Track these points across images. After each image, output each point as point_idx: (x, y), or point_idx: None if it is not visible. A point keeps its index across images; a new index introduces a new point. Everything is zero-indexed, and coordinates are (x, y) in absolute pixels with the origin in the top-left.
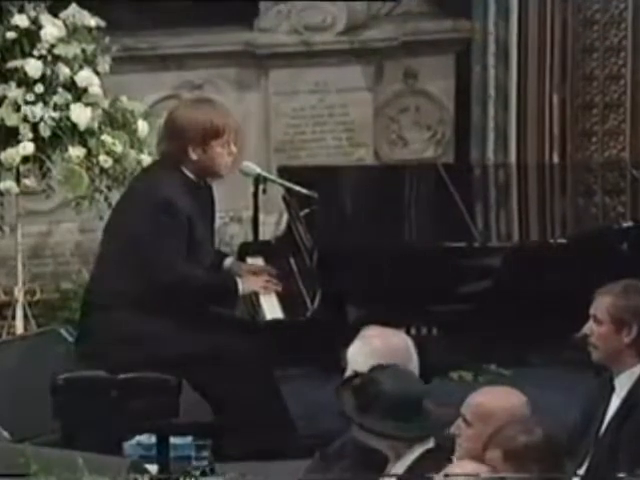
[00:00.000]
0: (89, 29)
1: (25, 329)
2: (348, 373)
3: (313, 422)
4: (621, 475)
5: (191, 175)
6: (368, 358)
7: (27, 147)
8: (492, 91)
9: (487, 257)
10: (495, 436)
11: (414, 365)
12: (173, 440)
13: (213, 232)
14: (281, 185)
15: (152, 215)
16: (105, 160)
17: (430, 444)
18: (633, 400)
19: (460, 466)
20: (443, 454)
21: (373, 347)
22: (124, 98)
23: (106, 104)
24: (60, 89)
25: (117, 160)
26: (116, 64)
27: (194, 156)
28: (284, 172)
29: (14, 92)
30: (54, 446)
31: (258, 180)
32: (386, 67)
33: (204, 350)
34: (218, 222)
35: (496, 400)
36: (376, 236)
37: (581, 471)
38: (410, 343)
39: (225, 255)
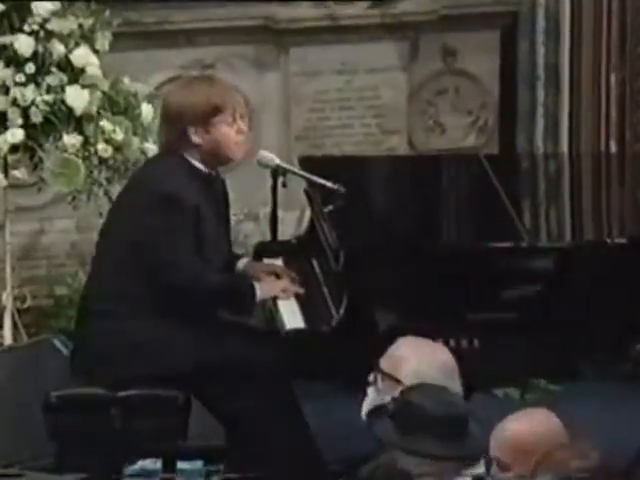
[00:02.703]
0: (87, 1)
1: (14, 340)
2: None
3: (339, 445)
4: None
5: (198, 164)
6: (420, 374)
7: (16, 134)
8: (541, 71)
9: (536, 259)
10: (544, 462)
11: (458, 382)
12: (180, 465)
13: (228, 228)
14: (303, 178)
15: (155, 210)
16: (104, 149)
17: (480, 469)
18: None
19: None
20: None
21: (429, 363)
22: (126, 79)
23: (106, 86)
24: (54, 69)
25: (118, 149)
26: (117, 41)
27: (197, 139)
28: (306, 163)
29: (2, 72)
30: (47, 471)
31: (277, 172)
32: (422, 44)
33: (215, 364)
34: (232, 219)
35: (530, 428)
36: (410, 235)
37: None
38: (452, 357)
39: (238, 256)
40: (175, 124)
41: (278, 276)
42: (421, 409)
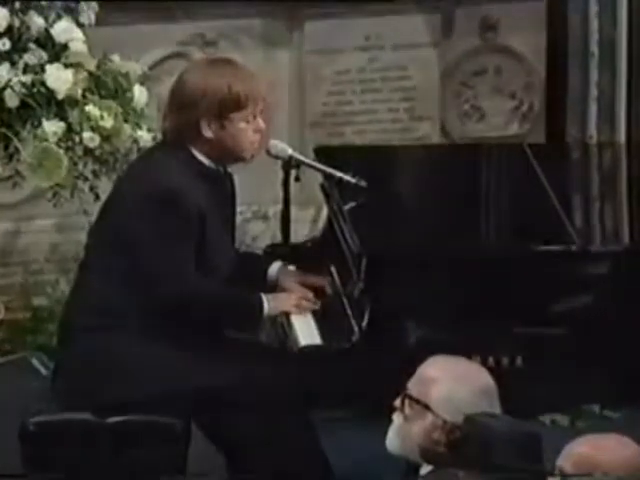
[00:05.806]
0: None
1: None
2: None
3: (360, 477)
4: None
5: (204, 159)
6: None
7: None
8: (595, 48)
9: (588, 265)
10: None
11: (498, 408)
12: None
13: (234, 233)
14: (319, 170)
15: (151, 210)
16: (91, 138)
17: None
18: None
19: None
20: None
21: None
22: (116, 57)
23: (92, 65)
24: (32, 45)
25: (106, 138)
26: (105, 13)
27: (208, 133)
28: (323, 153)
29: None
30: None
31: (289, 164)
32: (457, 16)
33: (218, 386)
34: (238, 219)
35: (604, 451)
36: (443, 237)
37: None
38: (490, 378)
39: (251, 256)
40: (187, 112)
41: (320, 289)
42: (487, 428)
